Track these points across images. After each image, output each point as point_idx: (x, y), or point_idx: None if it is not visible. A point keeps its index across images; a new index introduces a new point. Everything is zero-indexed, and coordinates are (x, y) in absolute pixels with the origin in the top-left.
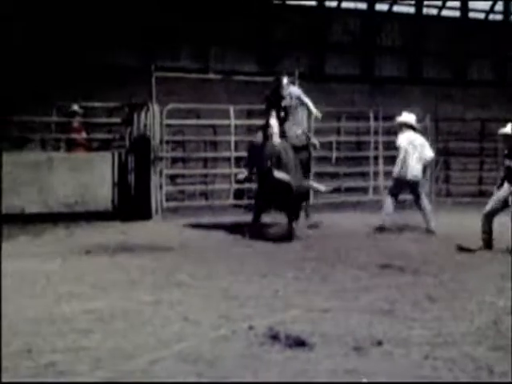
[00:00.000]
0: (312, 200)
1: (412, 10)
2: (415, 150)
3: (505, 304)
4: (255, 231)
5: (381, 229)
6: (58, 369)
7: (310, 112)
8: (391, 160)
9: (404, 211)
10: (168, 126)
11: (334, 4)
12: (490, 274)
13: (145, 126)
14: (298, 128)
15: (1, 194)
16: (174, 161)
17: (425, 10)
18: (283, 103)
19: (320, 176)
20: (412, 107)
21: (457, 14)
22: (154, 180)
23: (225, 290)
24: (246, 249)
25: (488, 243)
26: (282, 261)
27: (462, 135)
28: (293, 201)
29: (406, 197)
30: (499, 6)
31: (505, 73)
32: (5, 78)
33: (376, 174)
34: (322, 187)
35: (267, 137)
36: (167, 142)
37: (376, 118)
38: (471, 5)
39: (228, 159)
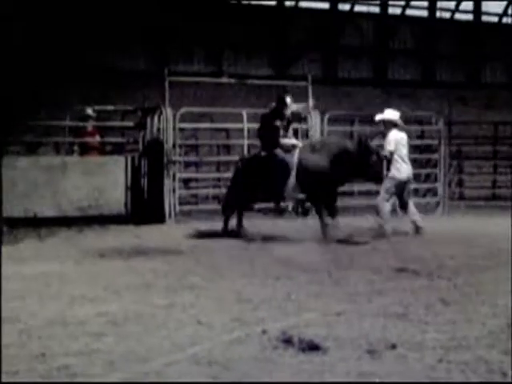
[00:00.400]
0: None
1: (425, 13)
2: (404, 148)
3: None
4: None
5: (381, 233)
6: (71, 372)
7: (299, 117)
8: None
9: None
10: (181, 129)
11: (346, 7)
12: (503, 277)
13: (158, 129)
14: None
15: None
16: (187, 165)
17: (438, 14)
18: (285, 122)
19: None
20: (424, 110)
21: (470, 17)
22: (167, 184)
23: (238, 293)
24: (259, 252)
25: None
26: (295, 264)
27: (475, 138)
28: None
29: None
30: None
31: None
32: (19, 82)
33: None
34: None
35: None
36: (180, 146)
37: None
38: (484, 8)
39: None
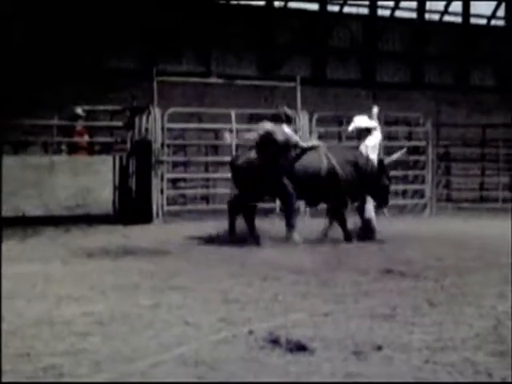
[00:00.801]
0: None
1: (414, 15)
2: (379, 151)
3: (505, 309)
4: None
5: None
6: (57, 372)
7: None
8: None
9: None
10: (169, 129)
11: (335, 9)
12: (490, 278)
13: (146, 129)
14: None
15: (0, 197)
16: (175, 165)
17: (427, 16)
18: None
19: None
20: (412, 112)
21: (459, 19)
22: (155, 184)
23: (225, 294)
24: (247, 252)
25: None
26: (283, 264)
27: (463, 140)
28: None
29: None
30: (501, 12)
31: (506, 78)
32: (6, 80)
33: None
34: None
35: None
36: (168, 146)
37: None
38: (473, 10)
39: None
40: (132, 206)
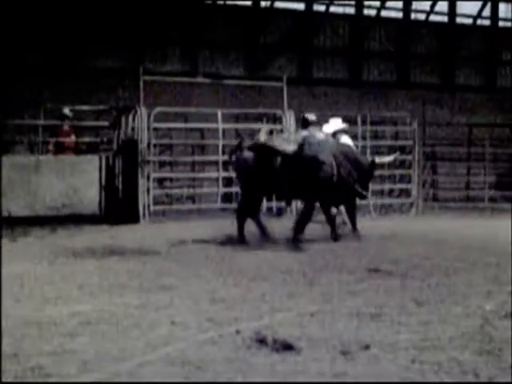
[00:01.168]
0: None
1: (400, 14)
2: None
3: (492, 308)
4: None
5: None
6: (44, 372)
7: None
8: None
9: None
10: (156, 129)
11: (322, 8)
12: (477, 278)
13: (132, 129)
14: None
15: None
16: (162, 164)
17: (413, 15)
18: None
19: None
20: (399, 111)
21: (445, 18)
22: (142, 183)
23: (212, 294)
24: (234, 252)
25: None
26: (270, 264)
27: (449, 140)
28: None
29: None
30: (487, 12)
31: (492, 78)
32: None
33: None
34: None
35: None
36: (155, 146)
37: (364, 123)
38: (459, 10)
39: (216, 163)
40: (118, 206)
